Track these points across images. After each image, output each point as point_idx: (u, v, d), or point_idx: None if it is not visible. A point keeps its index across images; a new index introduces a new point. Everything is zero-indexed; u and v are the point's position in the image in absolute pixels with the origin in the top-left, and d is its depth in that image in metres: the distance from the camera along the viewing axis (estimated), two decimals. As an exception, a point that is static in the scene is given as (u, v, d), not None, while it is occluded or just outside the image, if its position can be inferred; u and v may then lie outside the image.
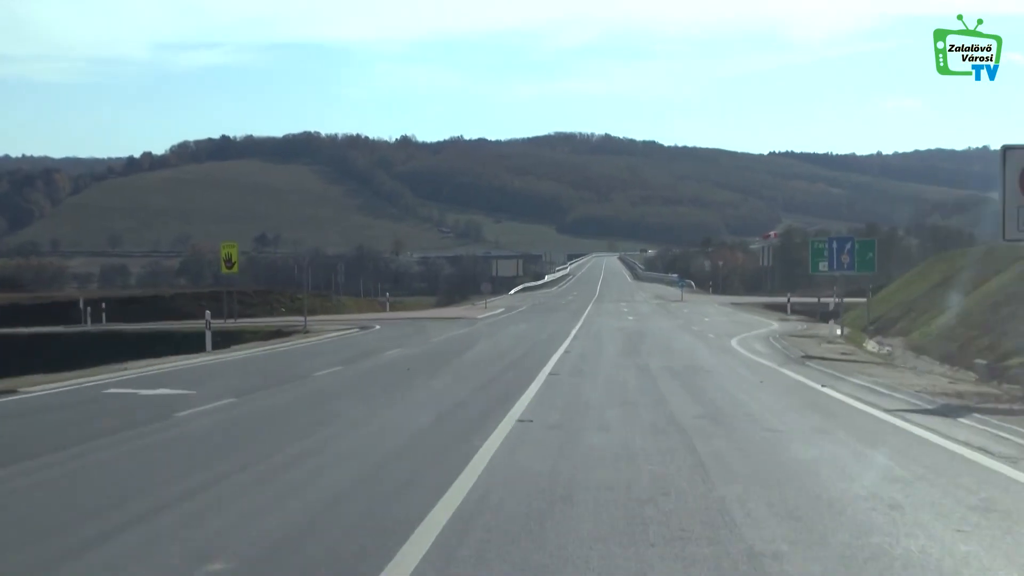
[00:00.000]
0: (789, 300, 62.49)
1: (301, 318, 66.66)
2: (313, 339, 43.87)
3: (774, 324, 48.87)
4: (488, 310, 67.72)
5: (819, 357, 28.99)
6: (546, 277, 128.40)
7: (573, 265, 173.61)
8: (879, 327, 55.27)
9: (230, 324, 60.62)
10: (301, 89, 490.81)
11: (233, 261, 63.92)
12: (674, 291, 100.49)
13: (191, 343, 54.85)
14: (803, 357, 28.98)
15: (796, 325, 49.16)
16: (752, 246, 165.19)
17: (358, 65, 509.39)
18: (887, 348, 42.51)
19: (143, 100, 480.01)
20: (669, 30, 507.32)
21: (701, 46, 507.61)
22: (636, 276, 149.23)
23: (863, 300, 70.95)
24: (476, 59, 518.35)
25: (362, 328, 50.45)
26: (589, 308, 67.57)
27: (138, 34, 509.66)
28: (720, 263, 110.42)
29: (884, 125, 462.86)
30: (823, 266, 56.77)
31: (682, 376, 22.49)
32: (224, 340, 52.62)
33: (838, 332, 39.34)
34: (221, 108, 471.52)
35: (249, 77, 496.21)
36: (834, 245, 42.00)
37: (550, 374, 22.50)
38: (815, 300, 64.45)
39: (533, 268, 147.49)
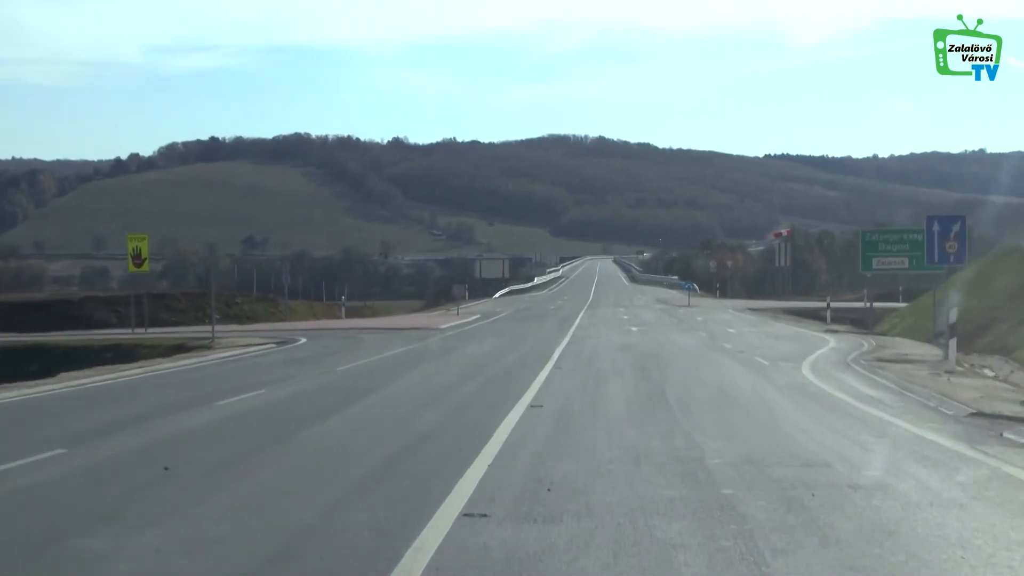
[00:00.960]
0: (829, 306, 48.25)
1: (231, 327, 53.47)
2: (193, 361, 30.00)
3: (830, 340, 34.55)
4: (460, 317, 53.60)
5: (998, 415, 14.89)
6: (536, 279, 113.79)
7: (566, 267, 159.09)
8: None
9: (138, 335, 46.61)
10: (294, 92, 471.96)
11: (143, 257, 49.86)
12: (676, 294, 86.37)
13: (71, 361, 41.59)
14: (974, 415, 14.85)
15: (860, 341, 34.82)
16: (750, 248, 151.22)
17: (352, 69, 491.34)
18: (985, 370, 28.46)
19: (136, 103, 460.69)
20: (664, 34, 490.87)
21: (695, 50, 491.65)
22: (633, 279, 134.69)
23: (899, 305, 56.68)
24: (470, 63, 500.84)
25: (280, 343, 36.61)
26: (581, 315, 53.41)
27: (132, 37, 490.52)
28: (730, 263, 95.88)
29: (880, 128, 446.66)
30: (880, 262, 42.80)
31: (807, 508, 8.28)
32: (117, 356, 39.78)
33: (950, 357, 24.89)
34: (214, 111, 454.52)
35: (242, 80, 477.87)
36: (935, 227, 27.50)
37: (464, 514, 8.17)
38: (860, 304, 50.38)
39: (523, 270, 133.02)
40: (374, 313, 71.64)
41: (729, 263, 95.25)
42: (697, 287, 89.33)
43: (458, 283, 57.60)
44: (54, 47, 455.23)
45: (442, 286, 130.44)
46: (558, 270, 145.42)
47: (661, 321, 47.51)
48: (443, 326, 44.72)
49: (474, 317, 53.63)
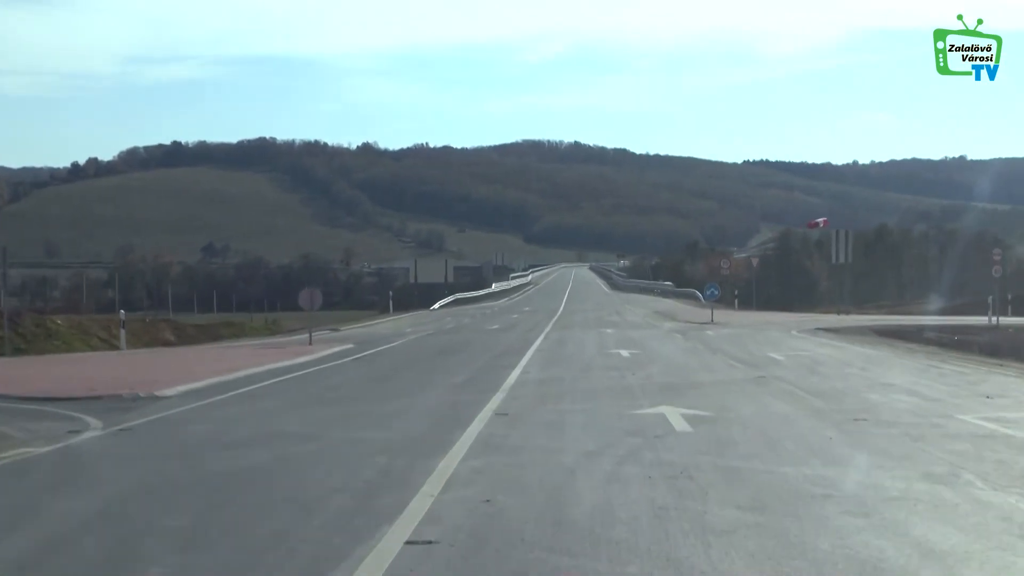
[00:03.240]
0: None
1: None
2: None
3: None
4: (311, 350, 25.34)
5: None
6: (493, 286, 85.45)
7: (536, 273, 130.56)
8: None
9: None
10: (267, 102, 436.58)
11: None
12: (678, 305, 59.07)
13: None
14: None
15: None
16: (736, 255, 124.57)
17: (326, 79, 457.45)
18: None
19: (110, 113, 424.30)
20: (641, 44, 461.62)
21: (671, 60, 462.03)
22: (614, 285, 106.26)
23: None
24: (445, 73, 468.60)
25: None
26: (536, 348, 25.29)
27: (108, 48, 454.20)
28: (755, 262, 67.98)
29: (858, 136, 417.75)
30: None
31: None
32: None
33: None
34: (186, 121, 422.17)
35: (214, 90, 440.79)
36: None
37: None
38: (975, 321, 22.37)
39: (486, 276, 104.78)
40: (237, 332, 43.17)
41: (755, 262, 67.21)
42: (701, 295, 61.35)
43: (310, 286, 28.81)
44: (29, 58, 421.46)
45: (402, 295, 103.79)
46: (526, 275, 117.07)
47: (715, 373, 19.12)
48: (168, 392, 16.21)
49: (331, 351, 25.41)
